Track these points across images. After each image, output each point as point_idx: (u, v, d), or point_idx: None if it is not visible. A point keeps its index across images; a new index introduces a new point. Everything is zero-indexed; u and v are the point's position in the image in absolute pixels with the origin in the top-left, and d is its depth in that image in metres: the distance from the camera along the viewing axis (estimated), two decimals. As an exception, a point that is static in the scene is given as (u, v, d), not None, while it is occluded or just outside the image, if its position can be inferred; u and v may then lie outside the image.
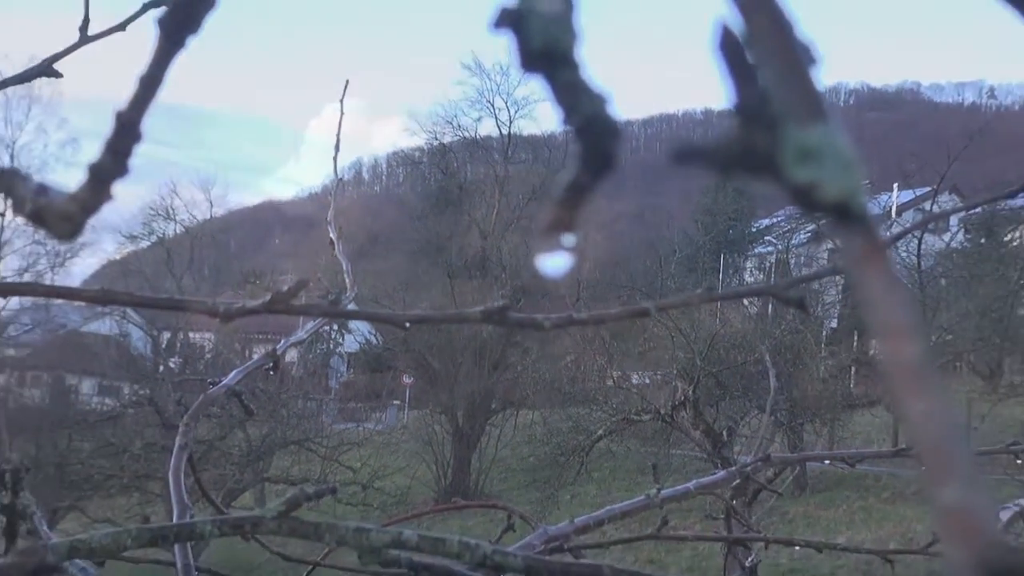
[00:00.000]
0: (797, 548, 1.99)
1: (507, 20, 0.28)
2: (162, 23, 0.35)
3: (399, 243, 34.89)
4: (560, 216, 0.29)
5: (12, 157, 30.80)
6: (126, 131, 0.36)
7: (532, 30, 0.28)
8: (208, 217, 44.63)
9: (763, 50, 0.27)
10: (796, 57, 0.27)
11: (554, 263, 0.31)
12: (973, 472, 0.22)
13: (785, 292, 1.04)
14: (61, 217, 0.37)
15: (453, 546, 0.91)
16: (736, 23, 0.27)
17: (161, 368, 27.54)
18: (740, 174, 0.26)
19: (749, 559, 2.07)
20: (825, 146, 0.26)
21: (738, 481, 1.96)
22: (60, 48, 1.40)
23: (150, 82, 0.35)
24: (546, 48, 0.28)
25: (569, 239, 0.30)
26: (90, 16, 1.39)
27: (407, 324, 1.01)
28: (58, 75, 1.38)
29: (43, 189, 0.38)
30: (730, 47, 0.27)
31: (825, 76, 0.27)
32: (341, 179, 2.30)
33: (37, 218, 0.38)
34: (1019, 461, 1.86)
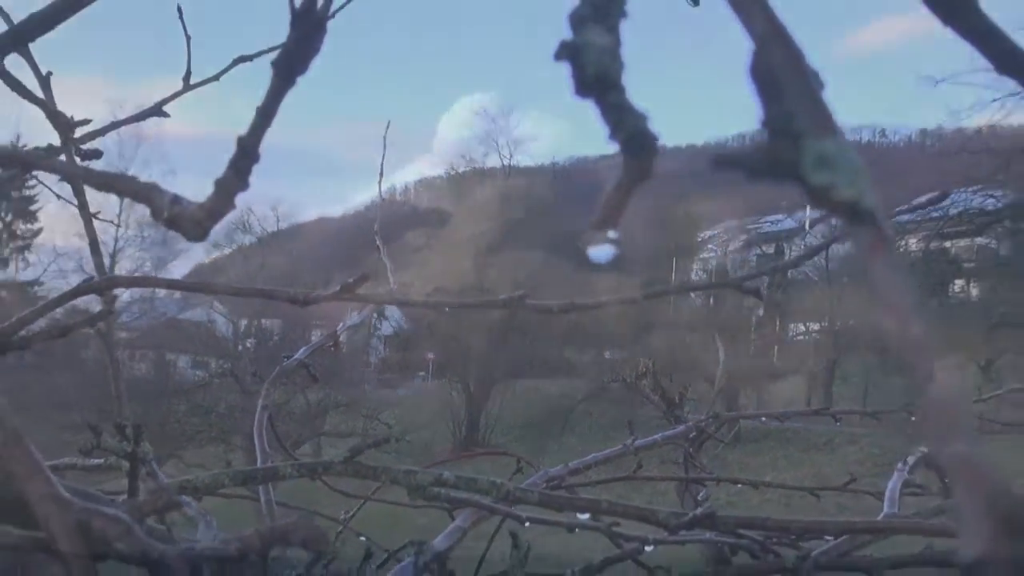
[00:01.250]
0: (736, 486, 1.98)
1: (566, 52, 0.26)
2: (276, 64, 0.33)
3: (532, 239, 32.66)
4: (608, 213, 0.28)
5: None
6: (245, 153, 0.34)
7: (587, 60, 0.26)
8: (276, 230, 44.50)
9: (782, 75, 0.25)
10: (809, 81, 0.25)
11: (601, 252, 0.29)
12: (974, 428, 0.21)
13: (745, 284, 1.03)
14: (192, 222, 0.36)
15: (483, 484, 0.90)
16: (756, 53, 0.26)
17: (240, 347, 27.54)
18: (768, 178, 0.25)
19: (700, 494, 2.06)
20: (839, 155, 0.25)
21: (694, 434, 1.95)
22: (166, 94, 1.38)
23: (265, 113, 0.34)
24: (598, 75, 0.26)
25: (614, 233, 0.28)
26: (191, 69, 1.37)
27: (446, 308, 1.00)
28: (166, 115, 1.36)
29: (177, 199, 0.37)
30: (760, 72, 0.26)
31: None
32: (384, 199, 2.29)
33: (173, 223, 0.37)
34: (912, 419, 1.86)
